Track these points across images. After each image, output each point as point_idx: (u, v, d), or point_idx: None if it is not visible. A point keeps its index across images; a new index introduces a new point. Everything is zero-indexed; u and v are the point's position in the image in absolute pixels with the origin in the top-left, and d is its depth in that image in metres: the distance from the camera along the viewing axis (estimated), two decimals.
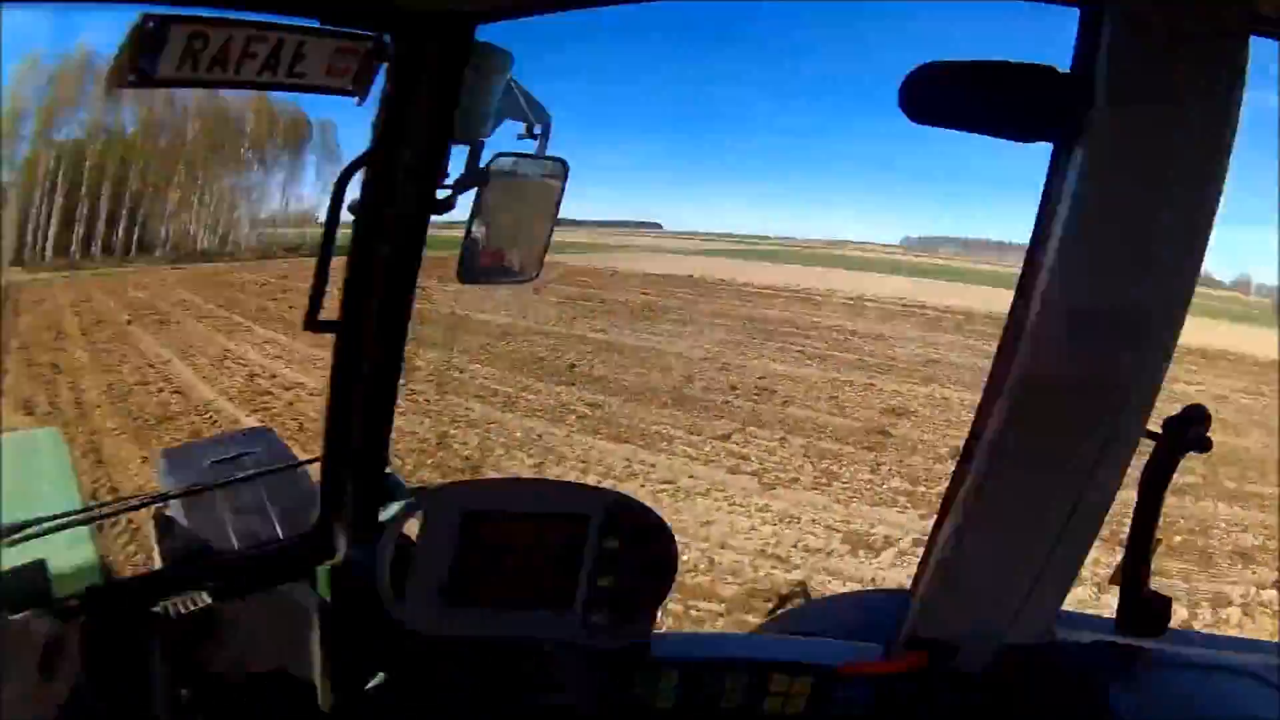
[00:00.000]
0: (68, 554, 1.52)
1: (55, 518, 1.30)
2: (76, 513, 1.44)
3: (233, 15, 0.97)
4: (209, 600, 1.22)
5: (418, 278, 1.18)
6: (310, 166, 41.51)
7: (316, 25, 1.05)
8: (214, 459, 2.17)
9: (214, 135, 40.15)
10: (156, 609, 1.18)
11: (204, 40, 0.96)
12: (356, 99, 1.12)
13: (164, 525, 1.65)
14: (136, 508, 1.54)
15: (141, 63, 0.94)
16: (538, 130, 1.27)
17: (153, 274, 27.80)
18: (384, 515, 1.32)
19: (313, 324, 1.18)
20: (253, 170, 41.37)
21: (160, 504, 1.56)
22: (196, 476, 2.04)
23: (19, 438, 3.96)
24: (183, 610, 1.20)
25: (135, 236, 37.01)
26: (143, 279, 25.26)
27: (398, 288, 1.18)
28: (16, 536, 1.21)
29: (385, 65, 1.11)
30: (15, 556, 1.21)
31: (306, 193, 40.78)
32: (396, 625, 1.08)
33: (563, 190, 1.26)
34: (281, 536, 1.68)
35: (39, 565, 1.19)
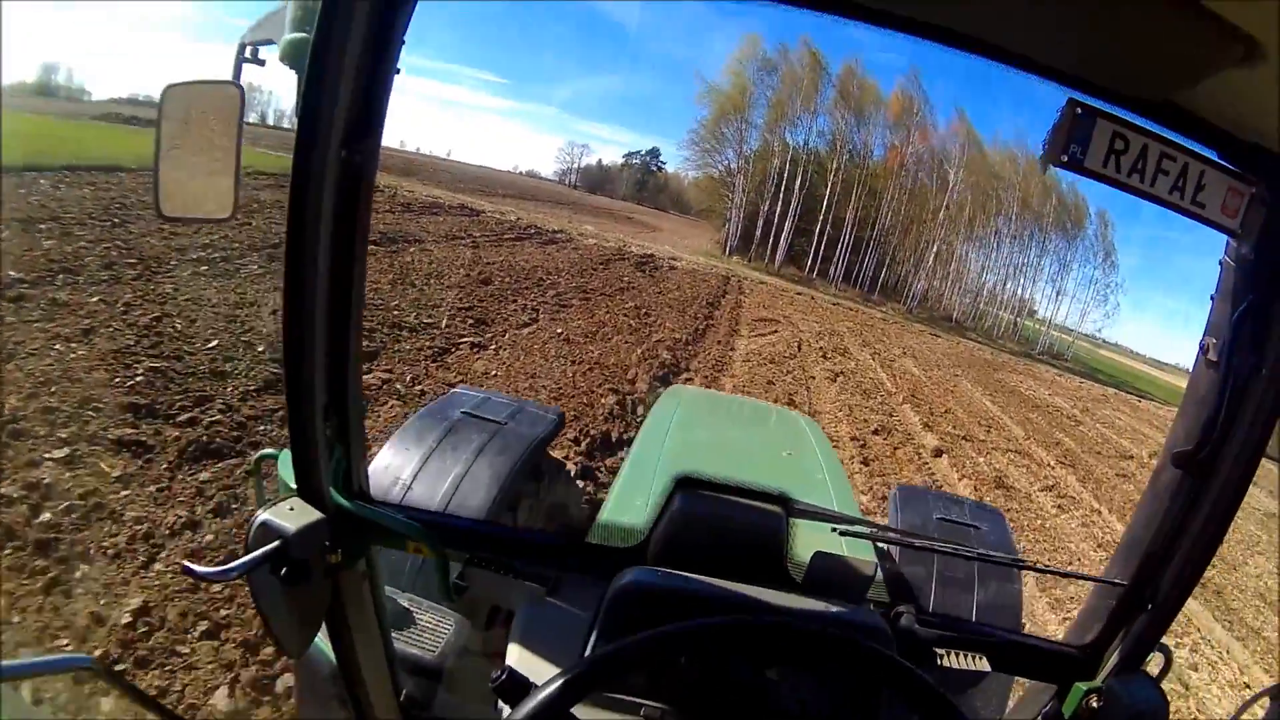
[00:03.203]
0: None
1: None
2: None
3: (1151, 127, 1.02)
4: (986, 666, 1.35)
5: (1270, 435, 1.13)
6: (1080, 262, 38.09)
7: (1212, 156, 1.06)
8: (941, 515, 2.59)
9: (980, 192, 37.56)
10: (940, 650, 1.34)
11: (1125, 143, 1.01)
12: (1238, 240, 1.11)
13: (883, 553, 1.99)
14: (869, 535, 1.57)
15: (1073, 148, 1.00)
16: None
17: (914, 333, 29.14)
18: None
19: (1183, 463, 1.18)
20: (1017, 245, 38.40)
21: (881, 535, 1.70)
22: (920, 521, 2.53)
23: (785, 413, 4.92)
24: (959, 665, 1.34)
25: (880, 276, 37.77)
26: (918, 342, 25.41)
27: (1249, 442, 1.13)
28: None
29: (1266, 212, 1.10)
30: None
31: (1070, 288, 38.35)
32: None
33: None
34: (977, 621, 2.04)
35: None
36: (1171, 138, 1.02)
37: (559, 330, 10.54)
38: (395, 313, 8.93)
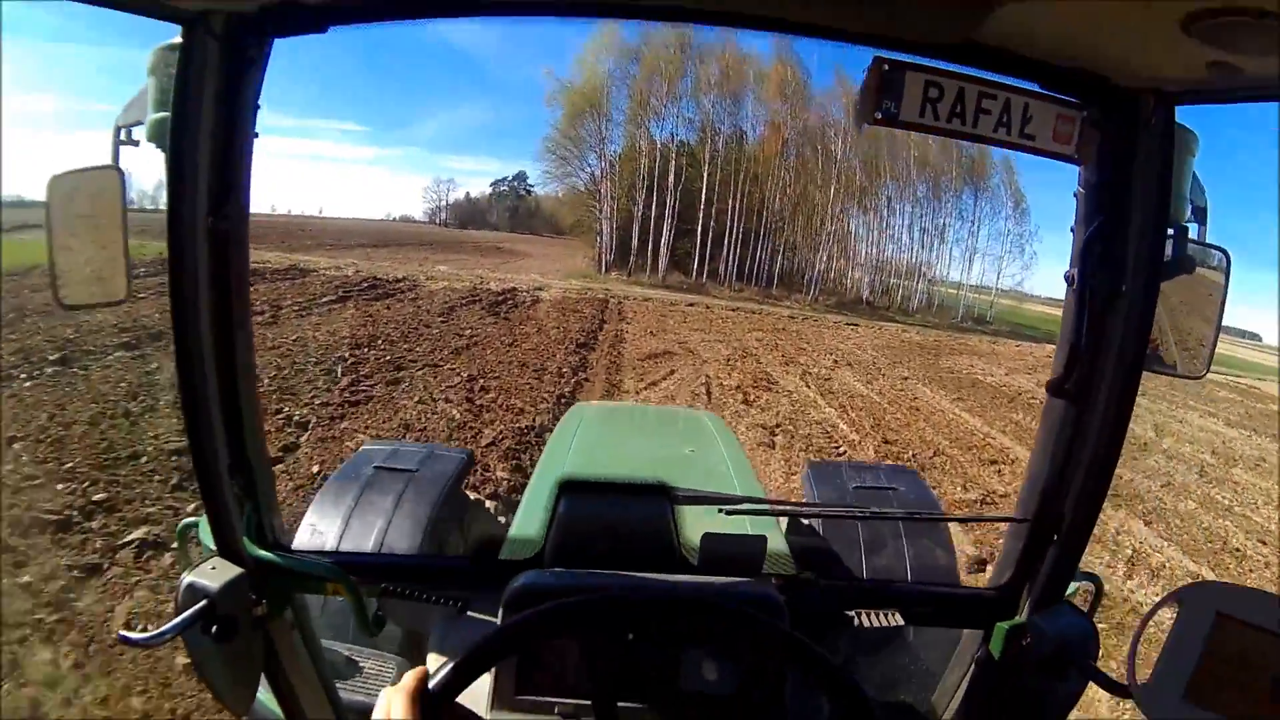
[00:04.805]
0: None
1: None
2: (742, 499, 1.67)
3: (960, 69, 1.03)
4: (900, 621, 1.36)
5: (1145, 351, 1.14)
6: (991, 216, 35.14)
7: (1037, 89, 1.07)
8: (857, 483, 2.58)
9: (872, 157, 33.98)
10: (851, 613, 1.36)
11: (939, 90, 1.02)
12: (1081, 165, 1.13)
13: (799, 529, 2.23)
14: (787, 512, 1.76)
15: (885, 104, 1.01)
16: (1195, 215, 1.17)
17: (831, 327, 25.66)
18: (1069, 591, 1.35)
19: (1060, 391, 1.21)
20: (921, 208, 35.04)
21: (770, 510, 1.86)
22: (836, 494, 2.53)
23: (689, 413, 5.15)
24: (875, 623, 1.34)
25: (776, 268, 33.82)
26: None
27: (1123, 361, 1.15)
28: None
29: (1100, 135, 1.10)
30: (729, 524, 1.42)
31: (983, 244, 35.43)
32: (1060, 699, 1.30)
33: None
34: (910, 579, 2.12)
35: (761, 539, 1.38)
36: (987, 77, 1.02)
37: (323, 458, 5.99)
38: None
